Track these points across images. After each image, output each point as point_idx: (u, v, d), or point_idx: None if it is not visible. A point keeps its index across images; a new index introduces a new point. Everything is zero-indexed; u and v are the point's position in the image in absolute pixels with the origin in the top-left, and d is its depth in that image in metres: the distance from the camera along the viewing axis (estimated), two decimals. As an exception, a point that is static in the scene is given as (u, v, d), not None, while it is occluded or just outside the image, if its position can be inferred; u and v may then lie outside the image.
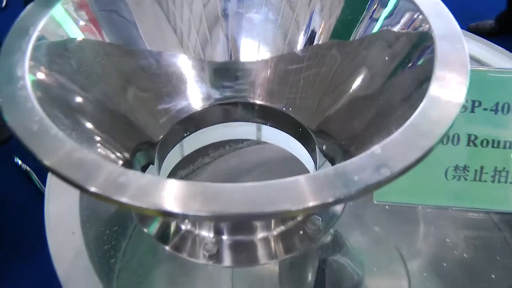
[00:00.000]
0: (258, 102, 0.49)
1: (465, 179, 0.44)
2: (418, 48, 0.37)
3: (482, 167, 0.44)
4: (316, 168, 0.44)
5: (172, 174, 0.49)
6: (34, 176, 1.32)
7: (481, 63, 0.56)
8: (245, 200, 0.26)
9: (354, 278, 0.48)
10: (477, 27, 1.80)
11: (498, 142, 0.44)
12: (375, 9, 0.43)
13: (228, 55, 0.50)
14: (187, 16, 0.49)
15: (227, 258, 0.40)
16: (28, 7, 0.38)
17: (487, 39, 0.60)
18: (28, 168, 1.33)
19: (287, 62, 0.49)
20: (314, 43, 0.47)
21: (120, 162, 0.39)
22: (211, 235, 0.40)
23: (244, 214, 0.26)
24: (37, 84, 0.33)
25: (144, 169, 0.42)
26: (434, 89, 0.32)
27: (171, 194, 0.26)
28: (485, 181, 0.44)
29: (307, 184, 0.27)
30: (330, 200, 0.26)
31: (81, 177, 0.27)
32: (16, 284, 1.12)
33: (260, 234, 0.41)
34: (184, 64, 0.48)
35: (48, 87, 0.35)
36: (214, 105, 0.49)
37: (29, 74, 0.33)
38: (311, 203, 0.26)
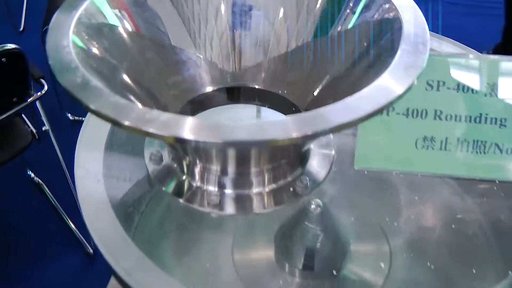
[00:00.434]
0: (257, 87, 0.58)
1: (433, 149, 0.52)
2: (388, 32, 0.45)
3: (446, 138, 0.52)
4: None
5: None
6: (46, 189, 1.34)
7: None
8: (244, 132, 0.34)
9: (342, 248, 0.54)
10: None
11: (460, 117, 0.52)
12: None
13: (232, 49, 0.58)
14: (197, 13, 0.57)
15: (227, 207, 0.48)
16: None
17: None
18: (40, 181, 1.36)
19: (282, 54, 0.57)
20: (303, 37, 0.56)
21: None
22: (216, 189, 0.48)
23: (243, 141, 0.34)
24: (78, 51, 0.42)
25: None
26: (401, 55, 0.40)
27: (187, 127, 0.34)
28: (450, 150, 0.52)
29: (292, 122, 0.35)
30: (309, 133, 0.34)
31: (117, 115, 0.35)
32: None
33: (256, 189, 0.48)
34: (194, 55, 0.57)
35: (87, 54, 0.43)
36: (220, 89, 0.58)
37: (72, 43, 0.42)
38: (294, 134, 0.34)
